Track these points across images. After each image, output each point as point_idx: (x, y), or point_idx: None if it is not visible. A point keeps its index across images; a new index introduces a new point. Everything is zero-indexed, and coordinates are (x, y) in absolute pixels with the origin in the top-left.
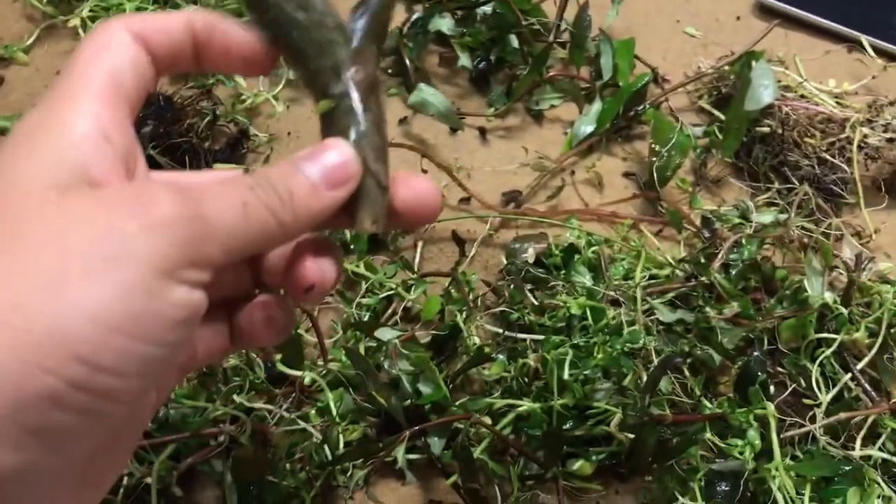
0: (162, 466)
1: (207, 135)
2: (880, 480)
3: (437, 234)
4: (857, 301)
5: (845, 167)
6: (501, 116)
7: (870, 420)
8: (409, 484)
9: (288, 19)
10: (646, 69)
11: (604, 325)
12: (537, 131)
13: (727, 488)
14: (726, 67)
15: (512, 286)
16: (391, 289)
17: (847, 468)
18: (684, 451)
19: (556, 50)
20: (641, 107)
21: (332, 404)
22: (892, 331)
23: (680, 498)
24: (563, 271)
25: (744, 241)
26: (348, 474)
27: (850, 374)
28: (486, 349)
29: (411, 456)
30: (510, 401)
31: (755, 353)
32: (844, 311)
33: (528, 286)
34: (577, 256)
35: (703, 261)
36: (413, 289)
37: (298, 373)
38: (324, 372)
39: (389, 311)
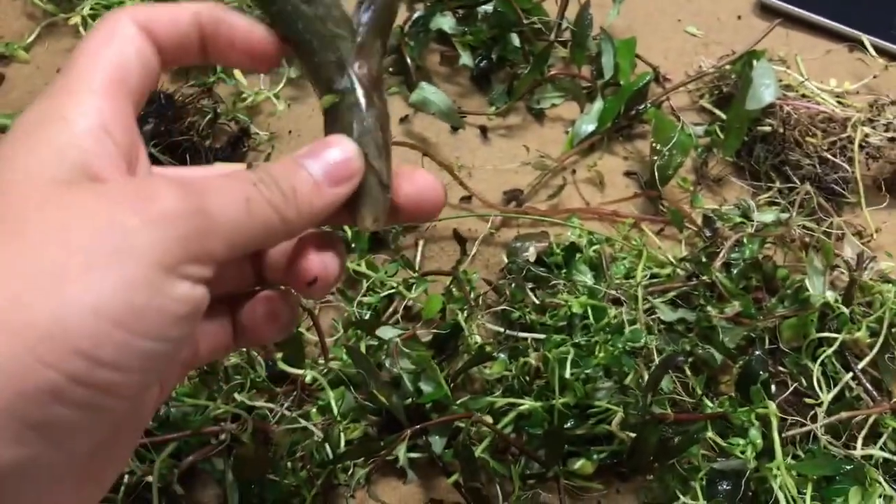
0: (163, 465)
1: (208, 133)
2: (882, 480)
3: (439, 233)
4: (859, 300)
5: (846, 166)
6: (503, 115)
7: (871, 419)
8: (410, 482)
9: (293, 11)
10: (647, 68)
11: (605, 324)
12: (538, 130)
13: (728, 487)
14: (727, 67)
15: (513, 285)
16: (392, 287)
17: (848, 467)
18: (686, 450)
19: (557, 49)
20: (643, 106)
21: (333, 403)
22: (893, 330)
23: (681, 497)
24: (564, 270)
25: (745, 240)
26: (349, 473)
27: (851, 374)
28: (488, 348)
29: (412, 454)
30: (511, 400)
31: (756, 353)
32: (846, 310)
33: (530, 285)
34: (578, 255)
35: (704, 260)
36: (414, 287)
37: (300, 371)
38: (325, 370)
39: (390, 309)
